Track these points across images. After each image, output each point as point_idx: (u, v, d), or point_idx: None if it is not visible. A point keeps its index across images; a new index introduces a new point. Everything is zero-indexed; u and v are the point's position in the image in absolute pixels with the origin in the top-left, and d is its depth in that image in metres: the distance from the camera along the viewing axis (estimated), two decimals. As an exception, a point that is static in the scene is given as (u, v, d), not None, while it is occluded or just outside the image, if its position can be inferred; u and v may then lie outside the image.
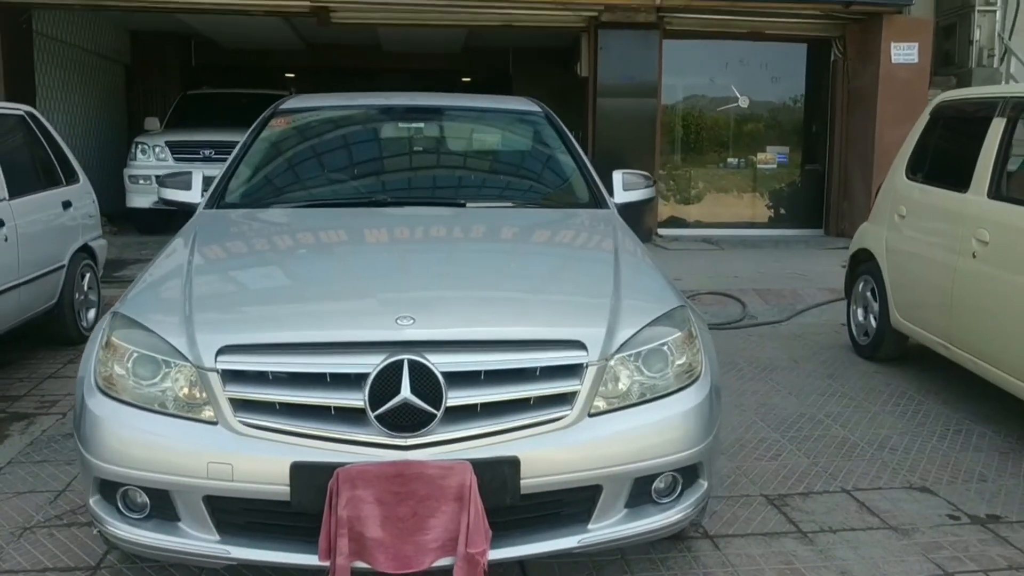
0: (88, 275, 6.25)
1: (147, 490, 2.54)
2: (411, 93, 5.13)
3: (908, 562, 3.15)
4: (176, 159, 10.40)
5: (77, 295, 6.03)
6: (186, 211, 4.00)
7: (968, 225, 4.60)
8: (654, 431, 2.63)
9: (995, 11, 10.91)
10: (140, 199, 10.42)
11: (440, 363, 2.45)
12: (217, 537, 2.52)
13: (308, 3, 10.06)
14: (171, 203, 4.11)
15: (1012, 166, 4.57)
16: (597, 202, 4.05)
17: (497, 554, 2.48)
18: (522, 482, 2.46)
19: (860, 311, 5.92)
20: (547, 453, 2.50)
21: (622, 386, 2.64)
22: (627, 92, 10.49)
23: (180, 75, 15.22)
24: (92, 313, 6.25)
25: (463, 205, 3.96)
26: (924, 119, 5.47)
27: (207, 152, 10.31)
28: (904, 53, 10.35)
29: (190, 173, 4.15)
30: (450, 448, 2.45)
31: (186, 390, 2.54)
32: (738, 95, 11.55)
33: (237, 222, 3.77)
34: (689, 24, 10.69)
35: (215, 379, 2.49)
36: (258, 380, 2.49)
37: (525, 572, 3.01)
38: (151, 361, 2.58)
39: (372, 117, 4.73)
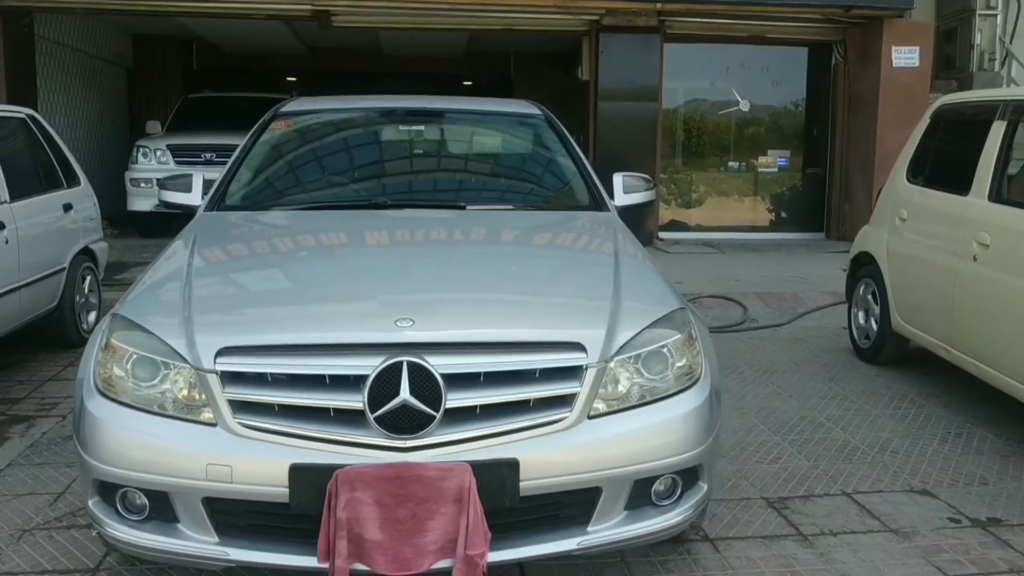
0: (89, 278, 6.26)
1: (146, 492, 2.54)
2: (411, 96, 5.13)
3: (908, 565, 3.14)
4: (177, 162, 10.42)
5: (78, 298, 6.03)
6: (186, 214, 4.01)
7: (969, 228, 4.59)
8: (654, 433, 2.63)
9: (996, 15, 10.91)
10: (141, 202, 10.43)
11: (439, 365, 2.45)
12: (216, 539, 2.52)
13: (309, 7, 10.08)
14: (171, 205, 4.11)
15: (1013, 169, 4.57)
16: (597, 205, 4.05)
17: (496, 556, 2.48)
18: (521, 484, 2.46)
19: (861, 314, 5.92)
20: (546, 455, 2.50)
21: (622, 388, 2.64)
22: (628, 96, 10.50)
23: (182, 79, 15.24)
24: (93, 316, 6.25)
25: (463, 208, 3.96)
26: (925, 122, 5.47)
27: (208, 155, 10.32)
28: (905, 57, 10.36)
29: (190, 175, 4.16)
30: (449, 450, 2.44)
31: (185, 392, 2.54)
32: (739, 99, 11.56)
33: (237, 224, 3.77)
34: (690, 28, 10.69)
35: (214, 381, 2.48)
36: (257, 382, 2.49)
37: (524, 574, 3.00)
38: (150, 363, 2.58)
39: (372, 120, 4.73)
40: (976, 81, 10.54)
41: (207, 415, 2.50)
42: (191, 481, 2.46)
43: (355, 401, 2.43)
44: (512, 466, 2.45)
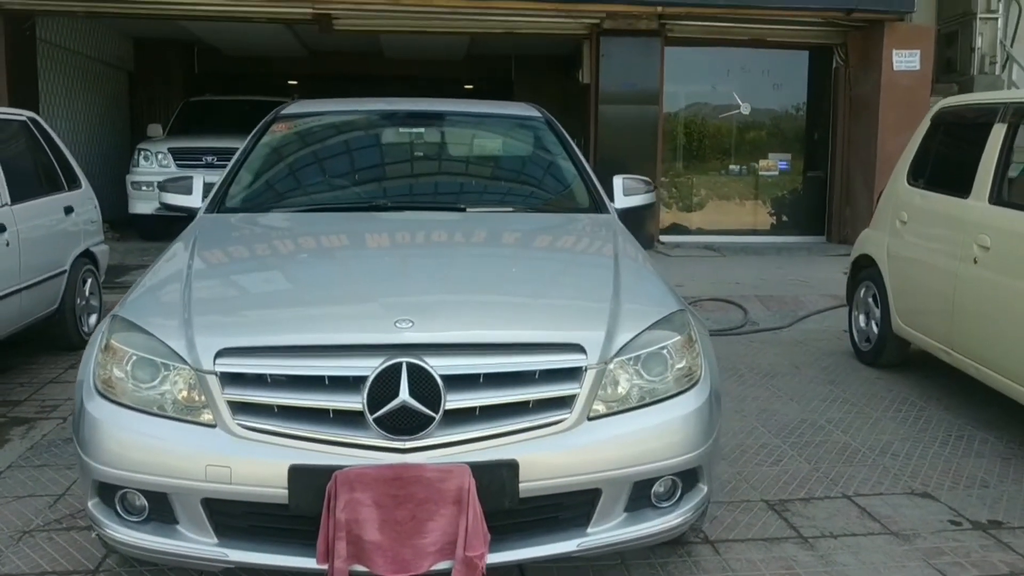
0: (90, 280, 6.26)
1: (145, 493, 2.54)
2: (412, 99, 5.14)
3: (909, 567, 3.14)
4: (179, 165, 10.42)
5: (78, 300, 6.04)
6: (187, 216, 4.01)
7: (969, 231, 4.59)
8: (653, 435, 2.63)
9: (997, 18, 10.92)
10: (143, 205, 10.44)
11: (439, 366, 2.45)
12: (215, 540, 2.51)
13: (311, 10, 10.08)
14: (171, 207, 4.11)
15: (1013, 172, 4.57)
16: (597, 207, 4.05)
17: (496, 558, 2.47)
18: (521, 485, 2.45)
19: (862, 317, 5.91)
20: (546, 456, 2.49)
21: (621, 390, 2.63)
22: (629, 99, 10.51)
23: (183, 82, 15.25)
24: (93, 318, 6.25)
25: (463, 210, 3.96)
26: (925, 125, 5.47)
27: (210, 159, 10.34)
28: (906, 60, 10.36)
29: (191, 177, 4.16)
30: (448, 451, 2.44)
31: (185, 393, 2.54)
32: (740, 102, 11.56)
33: (237, 226, 3.78)
34: (691, 31, 10.70)
35: (214, 382, 2.48)
36: (257, 383, 2.49)
37: (524, 577, 3.00)
38: (150, 364, 2.58)
39: (373, 122, 4.73)
40: (977, 85, 10.53)
41: (207, 416, 2.50)
42: (190, 482, 2.46)
43: (354, 402, 2.43)
44: (512, 467, 2.45)
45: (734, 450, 4.22)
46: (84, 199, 6.32)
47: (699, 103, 11.88)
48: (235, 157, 4.23)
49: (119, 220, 10.61)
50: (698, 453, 2.69)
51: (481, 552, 2.40)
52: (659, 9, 10.17)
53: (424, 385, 2.42)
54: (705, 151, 11.92)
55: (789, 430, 4.55)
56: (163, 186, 4.19)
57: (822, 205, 11.62)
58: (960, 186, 4.79)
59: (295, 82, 17.63)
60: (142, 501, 2.57)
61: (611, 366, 2.61)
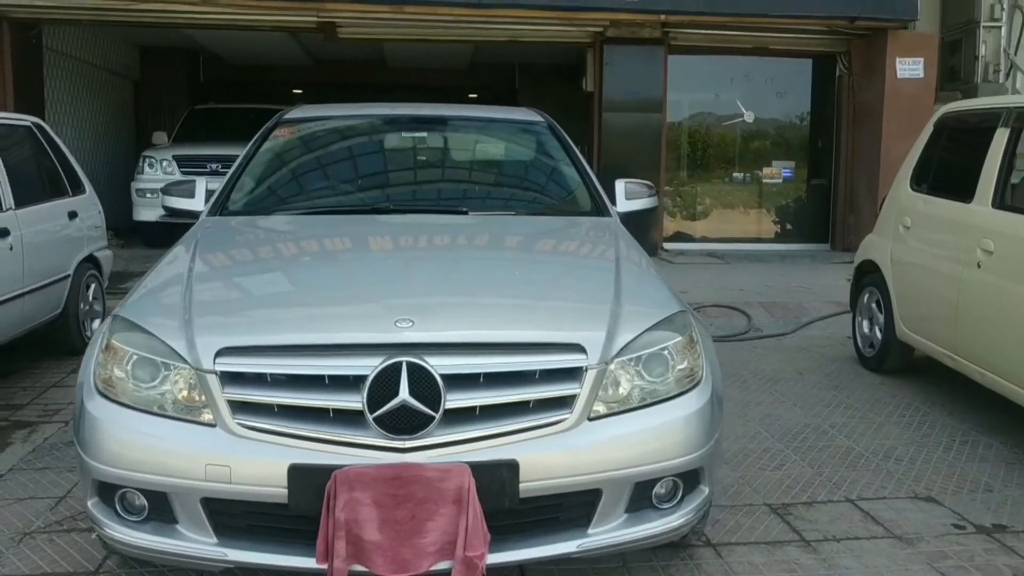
0: (93, 286, 6.27)
1: (145, 492, 2.54)
2: (415, 104, 5.15)
3: (912, 571, 3.12)
4: (183, 173, 10.44)
5: (82, 305, 6.05)
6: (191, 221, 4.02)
7: (973, 235, 4.58)
8: (654, 435, 2.62)
9: (1000, 27, 10.92)
10: (147, 212, 10.47)
11: (439, 365, 2.44)
12: (215, 540, 2.51)
13: (315, 19, 10.12)
14: (174, 211, 4.12)
15: (1016, 177, 4.56)
16: (599, 210, 4.05)
17: (496, 558, 2.46)
18: (521, 485, 2.45)
19: (865, 323, 5.90)
20: (546, 456, 2.49)
21: (622, 390, 2.63)
22: (633, 107, 10.52)
23: (188, 90, 15.31)
24: (96, 323, 6.25)
25: (465, 213, 3.96)
26: (928, 130, 5.47)
27: (214, 166, 10.35)
28: (909, 68, 10.36)
29: (194, 181, 4.16)
30: (448, 451, 2.43)
31: (185, 392, 2.54)
32: (744, 110, 11.57)
33: (239, 228, 3.78)
34: (694, 40, 10.71)
35: (214, 381, 2.48)
36: (257, 382, 2.49)
37: (525, 579, 2.99)
38: (150, 364, 2.59)
39: (376, 127, 4.74)
40: (980, 92, 10.51)
41: (207, 416, 2.50)
42: (190, 481, 2.46)
43: (354, 401, 2.42)
44: (512, 467, 2.44)
45: (737, 454, 4.20)
46: (88, 204, 6.34)
47: (703, 111, 11.89)
48: (238, 161, 4.24)
49: (124, 227, 10.63)
50: (699, 454, 2.68)
51: (481, 552, 2.39)
52: (663, 17, 10.19)
53: (424, 384, 2.41)
54: (709, 159, 11.92)
55: (792, 435, 4.53)
56: (166, 190, 4.20)
57: (826, 213, 11.61)
58: (963, 191, 4.78)
59: (299, 90, 17.68)
60: (142, 500, 2.56)
61: (612, 366, 2.60)
